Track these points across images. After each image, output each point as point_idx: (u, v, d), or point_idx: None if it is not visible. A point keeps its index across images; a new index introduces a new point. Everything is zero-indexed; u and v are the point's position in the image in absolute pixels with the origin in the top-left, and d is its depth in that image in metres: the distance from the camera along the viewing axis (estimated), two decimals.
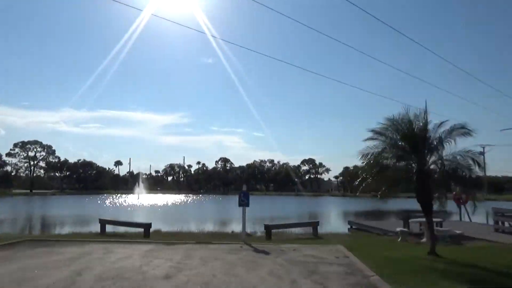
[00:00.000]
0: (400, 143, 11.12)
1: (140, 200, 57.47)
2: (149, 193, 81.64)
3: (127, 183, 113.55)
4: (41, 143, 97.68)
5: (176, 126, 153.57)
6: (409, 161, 11.18)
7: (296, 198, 78.83)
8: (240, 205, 13.25)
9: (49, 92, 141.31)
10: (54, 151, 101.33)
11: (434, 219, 16.42)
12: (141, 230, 16.09)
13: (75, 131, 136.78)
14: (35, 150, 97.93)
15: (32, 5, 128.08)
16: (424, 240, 15.37)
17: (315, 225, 17.21)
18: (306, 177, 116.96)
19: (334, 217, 32.31)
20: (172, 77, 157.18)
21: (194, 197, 77.66)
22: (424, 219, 16.87)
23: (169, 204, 51.13)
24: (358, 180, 12.03)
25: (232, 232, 18.33)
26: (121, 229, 17.61)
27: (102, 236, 15.52)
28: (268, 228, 15.39)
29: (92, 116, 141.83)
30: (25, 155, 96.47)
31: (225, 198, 79.67)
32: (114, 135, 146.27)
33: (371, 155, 11.65)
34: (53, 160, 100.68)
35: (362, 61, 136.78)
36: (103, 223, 16.55)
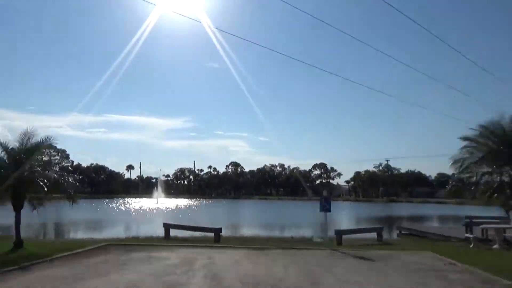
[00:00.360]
0: (500, 149, 11.03)
1: (163, 204, 57.38)
2: (167, 197, 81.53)
3: (137, 187, 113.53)
4: (55, 147, 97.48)
5: (181, 130, 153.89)
6: (506, 167, 11.10)
7: (312, 203, 78.29)
8: (321, 210, 13.16)
9: (54, 97, 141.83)
10: (68, 155, 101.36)
11: (506, 226, 16.28)
12: (206, 234, 16.10)
13: (81, 136, 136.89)
14: (49, 154, 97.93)
15: (38, 10, 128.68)
16: (496, 246, 15.18)
17: (380, 230, 17.12)
18: (318, 182, 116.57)
19: (371, 222, 32.04)
20: (177, 81, 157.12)
21: (211, 201, 77.35)
22: (493, 226, 16.76)
23: (197, 209, 50.99)
24: (450, 185, 11.98)
25: (292, 237, 18.17)
26: (178, 233, 17.47)
27: (173, 240, 15.38)
28: (339, 233, 15.29)
29: (98, 120, 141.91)
30: (39, 159, 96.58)
31: (239, 202, 79.35)
32: (119, 139, 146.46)
33: (463, 161, 11.59)
34: (67, 164, 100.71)
35: (372, 60, 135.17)
36: (167, 227, 16.43)
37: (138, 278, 7.70)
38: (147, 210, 46.49)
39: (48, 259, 9.92)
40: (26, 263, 9.17)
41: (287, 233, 20.72)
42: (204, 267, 8.94)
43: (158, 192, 76.21)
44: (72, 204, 13.21)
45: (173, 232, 17.23)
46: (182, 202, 67.84)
